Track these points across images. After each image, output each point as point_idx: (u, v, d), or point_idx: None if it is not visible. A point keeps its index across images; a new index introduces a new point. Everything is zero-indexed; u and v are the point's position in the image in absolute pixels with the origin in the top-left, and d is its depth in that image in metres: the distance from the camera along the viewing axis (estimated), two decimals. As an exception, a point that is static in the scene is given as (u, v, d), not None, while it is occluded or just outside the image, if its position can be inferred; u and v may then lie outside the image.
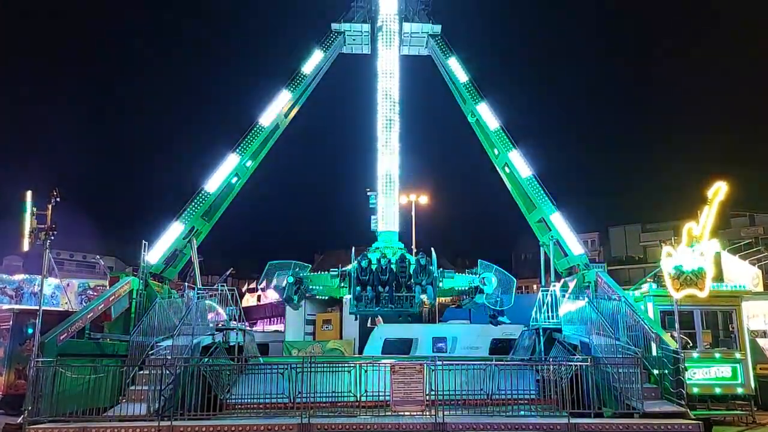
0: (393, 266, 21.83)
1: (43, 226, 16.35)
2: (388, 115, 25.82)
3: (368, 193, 25.63)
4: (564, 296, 21.34)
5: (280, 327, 31.22)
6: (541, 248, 24.47)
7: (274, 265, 22.51)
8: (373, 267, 21.68)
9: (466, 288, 23.04)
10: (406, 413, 15.15)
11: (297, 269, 22.49)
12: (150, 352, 17.07)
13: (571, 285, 22.63)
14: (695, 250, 16.94)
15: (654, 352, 16.82)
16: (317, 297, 24.16)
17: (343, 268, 22.61)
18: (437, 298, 25.32)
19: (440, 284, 22.48)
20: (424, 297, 22.07)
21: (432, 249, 22.64)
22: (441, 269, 22.72)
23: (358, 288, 21.50)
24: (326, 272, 23.22)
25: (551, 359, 17.92)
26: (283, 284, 21.95)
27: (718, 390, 18.09)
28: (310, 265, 23.79)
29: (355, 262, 21.93)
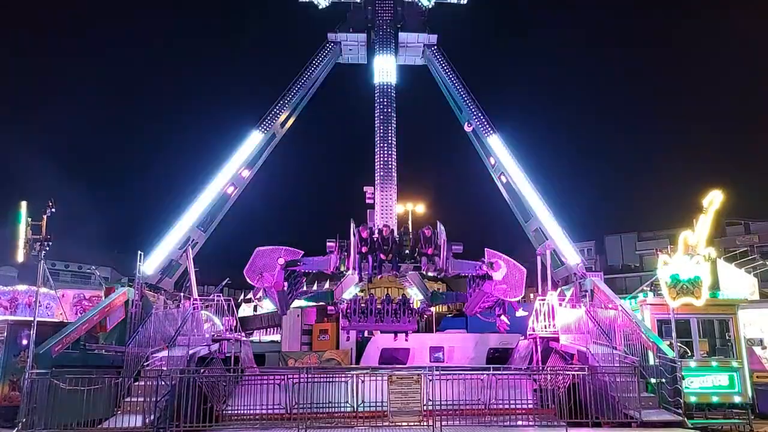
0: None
1: (38, 236, 16.29)
2: (386, 110, 25.99)
3: (364, 189, 24.52)
4: (561, 305, 21.35)
5: (276, 337, 31.06)
6: (538, 257, 24.49)
7: (262, 252, 20.30)
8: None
9: (473, 275, 21.17)
10: (403, 423, 15.10)
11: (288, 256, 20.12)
12: (145, 363, 16.97)
13: (568, 294, 22.64)
14: (692, 259, 17.00)
15: (651, 361, 16.83)
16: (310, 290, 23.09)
17: (341, 240, 20.30)
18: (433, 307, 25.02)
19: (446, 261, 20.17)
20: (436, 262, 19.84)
21: (437, 221, 20.24)
22: (449, 245, 20.21)
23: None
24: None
25: (548, 368, 17.89)
26: (275, 268, 19.69)
27: (715, 398, 18.10)
28: (303, 252, 21.05)
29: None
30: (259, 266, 19.88)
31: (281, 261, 19.55)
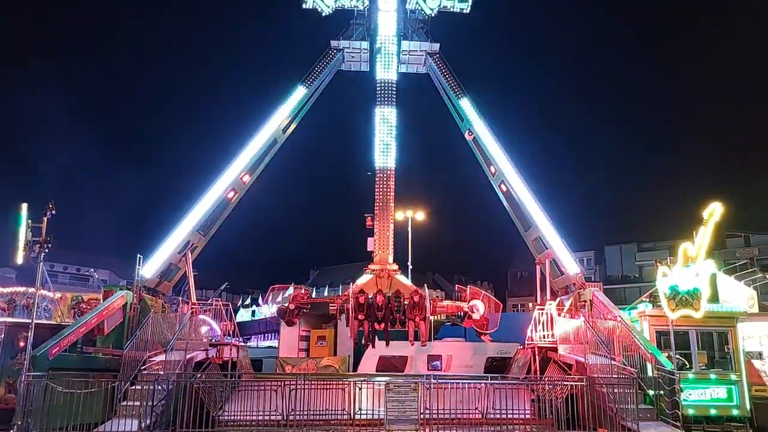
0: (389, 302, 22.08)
1: (38, 238, 16.26)
2: (386, 140, 26.30)
3: (365, 216, 26.69)
4: (560, 315, 21.29)
5: (274, 343, 30.99)
6: (537, 266, 24.47)
7: (276, 289, 25.18)
8: (370, 301, 21.92)
9: (457, 313, 24.41)
10: (400, 432, 15.03)
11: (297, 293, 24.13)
12: (142, 368, 16.91)
13: (567, 304, 22.59)
14: (691, 271, 16.95)
15: (650, 373, 16.75)
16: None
17: (341, 302, 23.26)
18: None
19: (432, 316, 23.14)
20: (420, 326, 21.98)
21: (425, 285, 24.11)
22: (435, 298, 23.60)
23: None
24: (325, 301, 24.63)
25: (547, 378, 17.84)
26: (285, 309, 23.55)
27: (713, 411, 18.02)
28: (311, 288, 25.62)
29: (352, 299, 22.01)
30: (272, 300, 24.36)
31: (292, 306, 23.26)
